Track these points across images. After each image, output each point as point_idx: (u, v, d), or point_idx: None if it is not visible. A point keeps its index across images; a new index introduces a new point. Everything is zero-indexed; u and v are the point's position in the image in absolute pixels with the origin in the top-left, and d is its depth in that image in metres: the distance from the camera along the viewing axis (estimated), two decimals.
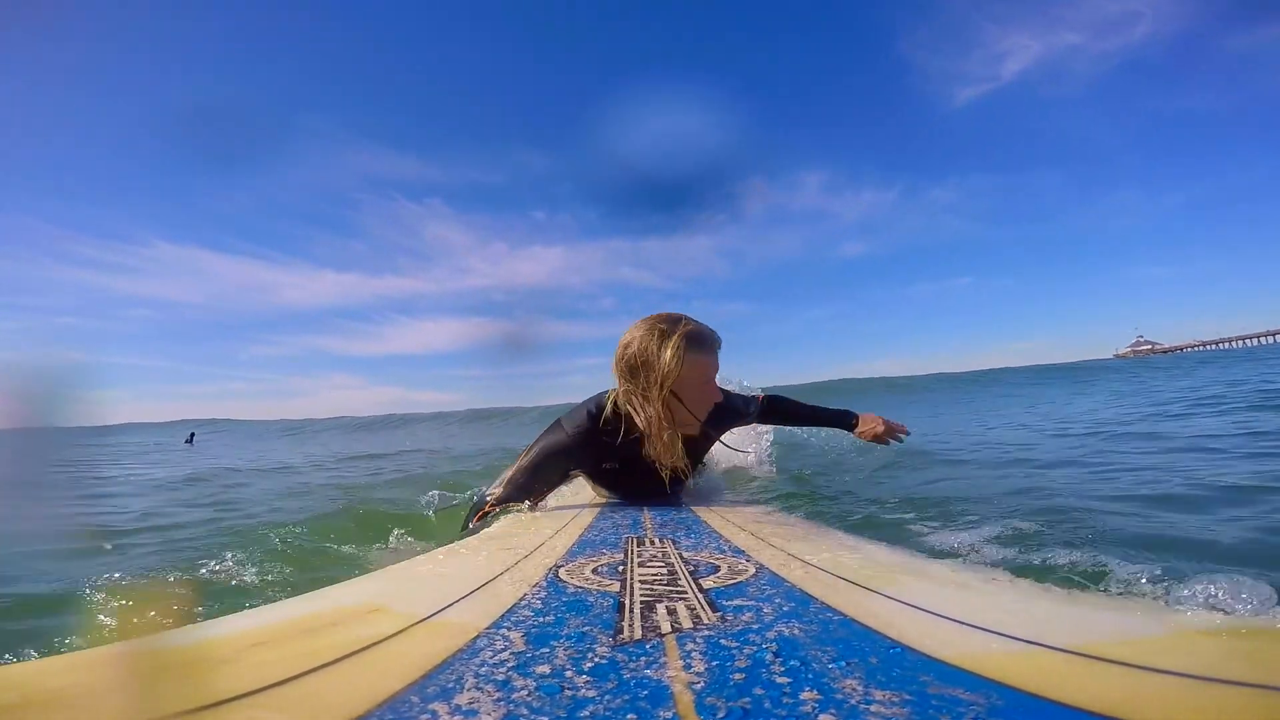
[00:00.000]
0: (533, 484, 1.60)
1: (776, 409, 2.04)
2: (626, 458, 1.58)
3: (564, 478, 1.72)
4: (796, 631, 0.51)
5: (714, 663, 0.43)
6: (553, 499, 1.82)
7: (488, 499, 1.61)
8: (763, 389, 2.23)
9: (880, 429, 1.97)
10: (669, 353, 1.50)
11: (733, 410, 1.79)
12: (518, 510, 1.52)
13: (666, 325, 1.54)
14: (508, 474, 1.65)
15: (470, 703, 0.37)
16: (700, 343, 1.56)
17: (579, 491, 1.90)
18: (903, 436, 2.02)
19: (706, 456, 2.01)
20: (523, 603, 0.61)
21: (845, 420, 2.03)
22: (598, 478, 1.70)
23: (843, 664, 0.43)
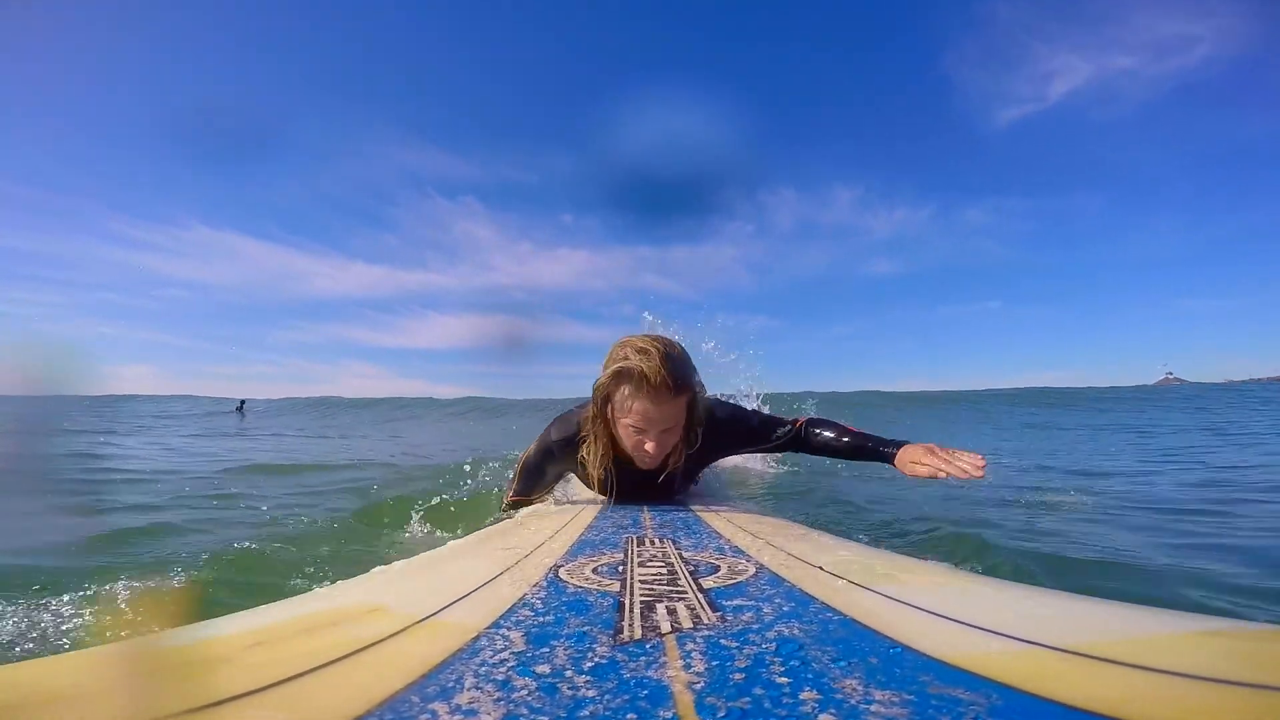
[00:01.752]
0: (530, 488, 1.70)
1: (810, 442, 1.67)
2: (611, 466, 1.58)
3: (559, 478, 1.77)
4: (796, 631, 0.51)
5: (714, 663, 0.43)
6: (552, 501, 1.83)
7: (505, 498, 1.75)
8: (807, 410, 1.92)
9: (928, 463, 1.40)
10: (597, 390, 1.46)
11: (724, 440, 1.65)
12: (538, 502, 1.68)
13: (619, 354, 1.43)
14: (513, 476, 1.74)
15: (470, 702, 0.37)
16: (632, 381, 1.40)
17: (581, 490, 1.90)
18: (969, 471, 1.34)
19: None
20: (523, 602, 0.61)
21: (886, 454, 1.54)
22: (588, 481, 1.70)
23: (843, 664, 0.43)
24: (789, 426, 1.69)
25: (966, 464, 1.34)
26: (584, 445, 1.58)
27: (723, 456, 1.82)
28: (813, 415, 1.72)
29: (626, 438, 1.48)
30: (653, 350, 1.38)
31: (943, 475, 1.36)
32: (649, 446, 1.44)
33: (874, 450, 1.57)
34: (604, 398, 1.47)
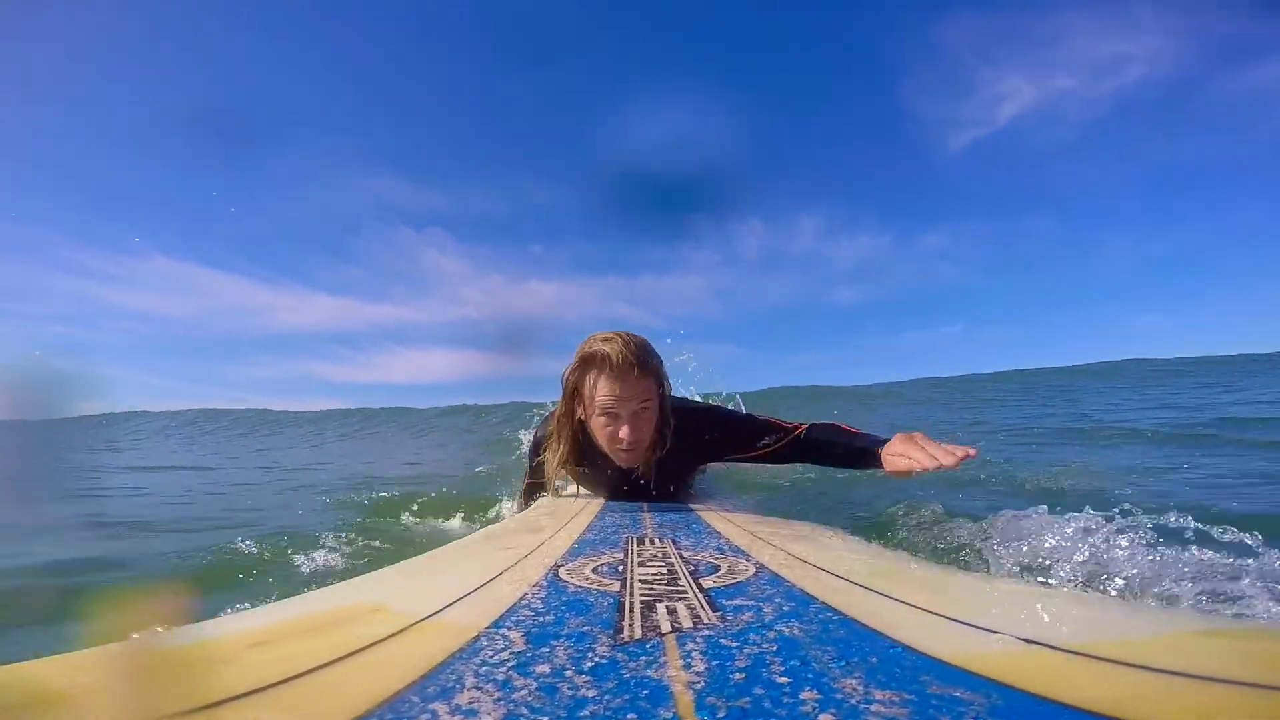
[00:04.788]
0: (536, 475, 1.75)
1: (809, 450, 1.54)
2: (592, 463, 1.60)
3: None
4: (796, 631, 0.51)
5: (714, 662, 0.43)
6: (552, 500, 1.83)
7: (523, 480, 1.86)
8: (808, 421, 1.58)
9: (913, 457, 1.22)
10: (565, 382, 1.49)
11: (698, 439, 1.58)
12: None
13: (584, 346, 1.45)
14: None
15: (470, 702, 0.37)
16: (597, 364, 1.41)
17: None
18: (941, 461, 1.16)
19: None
20: (523, 602, 0.61)
21: (875, 454, 1.35)
22: (578, 478, 1.72)
23: (843, 664, 0.43)
24: (780, 434, 1.54)
25: (940, 453, 1.17)
26: (546, 445, 1.60)
27: (704, 461, 1.78)
28: (814, 422, 1.57)
29: (600, 431, 1.47)
30: (615, 337, 1.43)
31: (918, 470, 1.19)
32: (624, 433, 1.43)
33: (870, 451, 1.39)
34: (572, 390, 1.49)
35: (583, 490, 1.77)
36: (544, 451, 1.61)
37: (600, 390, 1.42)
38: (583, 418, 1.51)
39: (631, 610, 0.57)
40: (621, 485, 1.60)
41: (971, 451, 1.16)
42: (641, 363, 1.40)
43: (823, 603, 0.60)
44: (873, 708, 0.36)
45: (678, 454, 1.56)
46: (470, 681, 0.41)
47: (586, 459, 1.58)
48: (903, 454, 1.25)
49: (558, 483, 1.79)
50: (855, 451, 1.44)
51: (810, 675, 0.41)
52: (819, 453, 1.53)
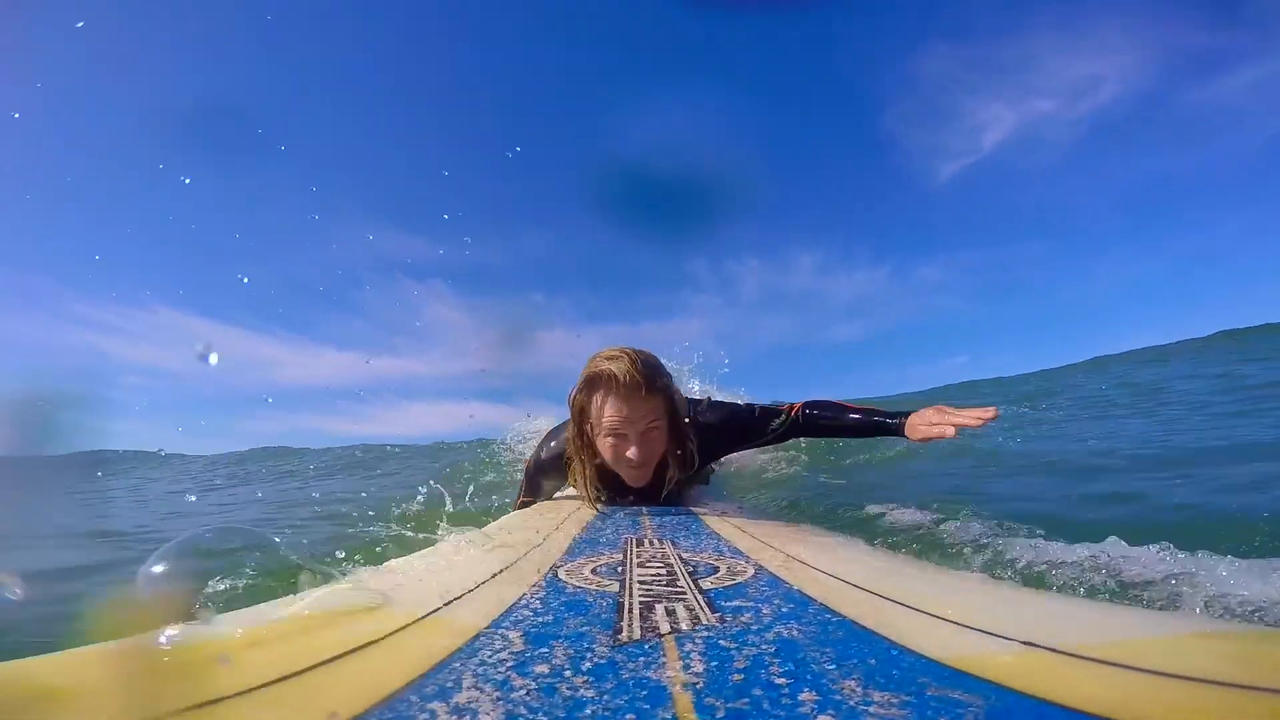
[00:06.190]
0: (534, 493, 1.74)
1: (811, 424, 1.63)
2: (603, 477, 1.56)
3: (557, 489, 1.77)
4: (795, 633, 0.51)
5: (713, 663, 0.43)
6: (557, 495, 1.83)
7: (516, 501, 1.81)
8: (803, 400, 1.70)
9: (937, 422, 1.37)
10: (573, 405, 1.46)
11: (717, 445, 1.63)
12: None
13: (589, 366, 1.43)
14: (523, 478, 1.79)
15: (469, 702, 0.37)
16: (603, 384, 1.39)
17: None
18: (980, 422, 1.31)
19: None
20: (522, 602, 0.61)
21: (893, 425, 1.49)
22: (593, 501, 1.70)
23: (841, 665, 0.43)
24: (784, 415, 1.62)
25: (968, 417, 1.31)
26: (570, 469, 1.56)
27: (719, 456, 1.80)
28: (808, 399, 1.67)
29: (607, 452, 1.44)
30: (621, 355, 1.39)
31: (950, 434, 1.33)
32: (631, 453, 1.40)
33: (880, 424, 1.51)
34: (580, 412, 1.46)
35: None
36: (571, 476, 1.57)
37: (608, 411, 1.38)
38: (590, 436, 1.48)
39: (630, 611, 0.57)
40: (632, 498, 1.58)
41: (989, 414, 1.30)
42: (649, 381, 1.37)
43: (821, 604, 0.60)
44: (871, 709, 0.36)
45: (700, 447, 1.56)
46: (469, 681, 0.41)
47: (604, 480, 1.54)
48: (932, 423, 1.38)
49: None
50: (871, 425, 1.55)
51: (809, 676, 0.41)
52: (823, 427, 1.62)
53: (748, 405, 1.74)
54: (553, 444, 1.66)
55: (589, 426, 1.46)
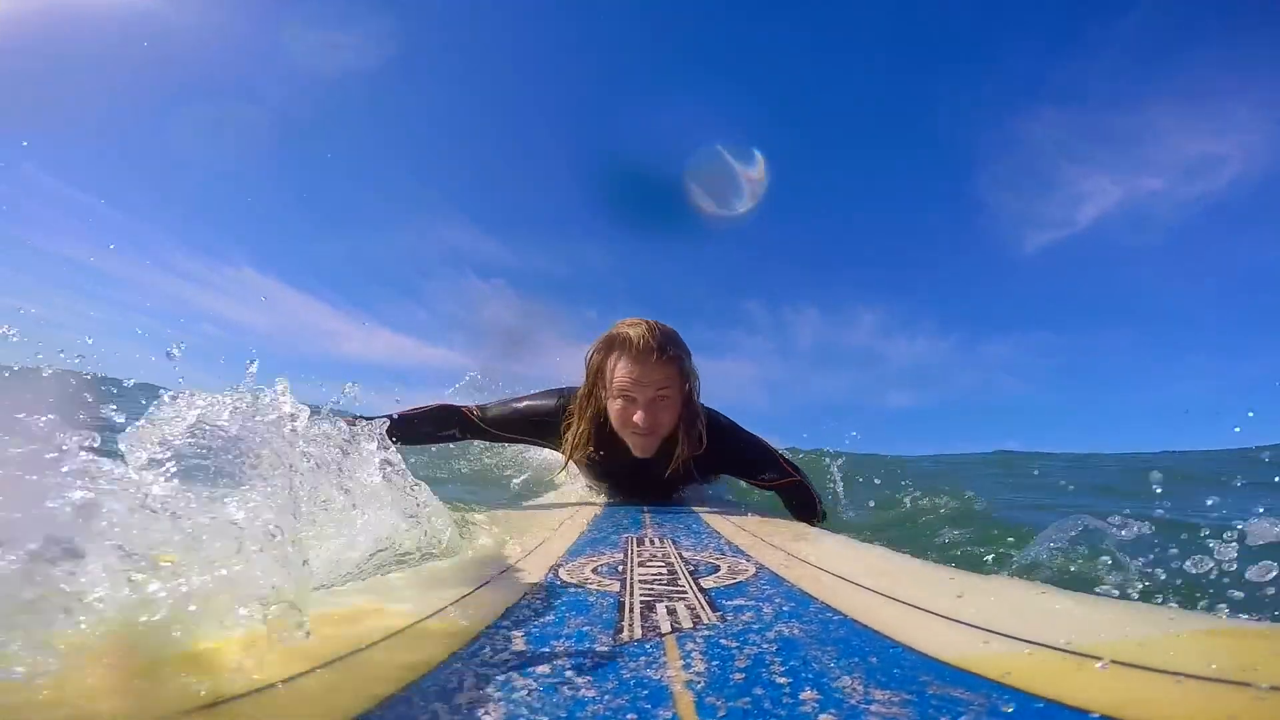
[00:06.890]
0: (501, 427, 1.60)
1: (789, 502, 1.65)
2: (610, 450, 1.55)
3: (532, 440, 1.68)
4: (796, 631, 0.51)
5: (714, 663, 0.43)
6: (553, 497, 1.83)
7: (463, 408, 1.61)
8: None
9: None
10: (589, 363, 1.47)
11: (725, 452, 1.62)
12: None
13: (612, 330, 1.46)
14: (489, 405, 1.63)
15: (470, 702, 0.37)
16: (619, 345, 1.42)
17: (577, 481, 1.89)
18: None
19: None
20: (523, 602, 0.61)
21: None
22: (588, 466, 1.67)
23: (843, 664, 0.43)
24: (780, 475, 1.62)
25: None
26: (564, 425, 1.54)
27: (719, 473, 1.79)
28: (806, 483, 1.65)
29: (615, 415, 1.45)
30: (641, 322, 1.43)
31: None
32: (638, 417, 1.41)
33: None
34: (595, 370, 1.47)
35: (587, 482, 1.76)
36: (564, 432, 1.56)
37: (619, 372, 1.41)
38: (601, 397, 1.49)
39: (631, 610, 0.57)
40: (634, 478, 1.58)
41: None
42: (663, 348, 1.39)
43: (823, 603, 0.60)
44: (872, 708, 0.36)
45: (706, 457, 1.55)
46: (470, 682, 0.41)
47: (604, 444, 1.54)
48: None
49: (561, 477, 1.76)
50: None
51: (810, 675, 0.41)
52: (794, 509, 1.64)
53: (758, 441, 1.72)
54: (552, 403, 1.59)
55: (602, 390, 1.47)
